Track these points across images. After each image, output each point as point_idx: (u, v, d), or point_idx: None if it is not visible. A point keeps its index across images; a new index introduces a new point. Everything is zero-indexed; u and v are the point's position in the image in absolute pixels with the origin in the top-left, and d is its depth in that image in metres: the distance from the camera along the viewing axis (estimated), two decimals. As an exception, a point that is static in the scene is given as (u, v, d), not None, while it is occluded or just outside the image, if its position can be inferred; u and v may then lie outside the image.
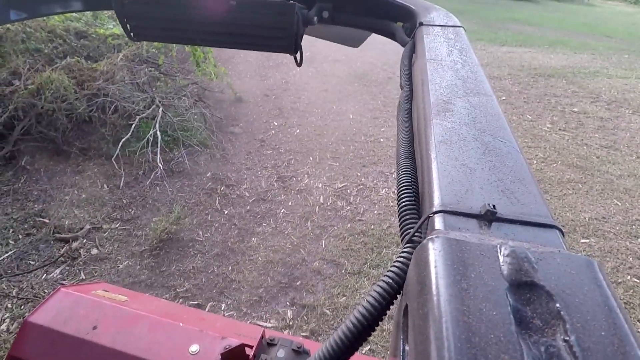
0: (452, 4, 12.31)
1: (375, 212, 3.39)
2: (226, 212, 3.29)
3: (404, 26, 1.02)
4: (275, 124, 4.84)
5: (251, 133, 4.60)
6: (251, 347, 0.92)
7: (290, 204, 3.44)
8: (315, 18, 1.01)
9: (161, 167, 3.35)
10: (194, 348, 0.93)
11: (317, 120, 4.99)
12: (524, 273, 0.28)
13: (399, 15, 1.04)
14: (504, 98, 6.14)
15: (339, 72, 6.68)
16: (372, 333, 0.36)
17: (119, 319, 1.00)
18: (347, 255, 2.92)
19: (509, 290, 0.27)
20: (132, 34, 1.02)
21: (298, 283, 2.67)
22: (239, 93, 5.37)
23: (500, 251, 0.30)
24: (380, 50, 7.67)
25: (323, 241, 3.05)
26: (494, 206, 0.36)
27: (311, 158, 4.13)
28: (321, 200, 3.49)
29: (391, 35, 1.05)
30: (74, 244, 2.83)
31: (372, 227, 3.20)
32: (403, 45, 0.93)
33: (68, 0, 1.20)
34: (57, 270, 2.65)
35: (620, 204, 3.68)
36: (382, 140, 4.58)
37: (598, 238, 3.25)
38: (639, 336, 0.25)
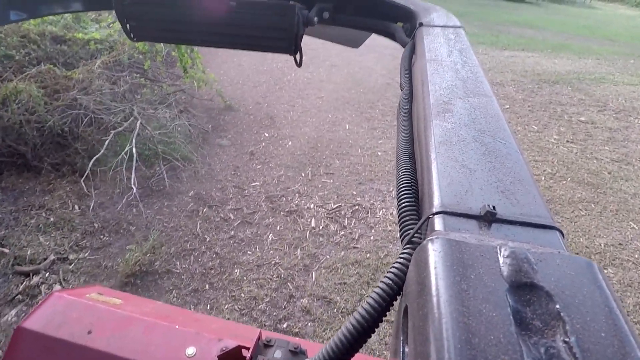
0: (451, 5, 12.03)
1: (372, 237, 3.10)
2: (207, 238, 2.99)
3: (404, 27, 1.02)
4: (266, 135, 4.55)
5: (240, 145, 4.30)
6: (248, 348, 0.91)
7: (278, 228, 3.14)
8: (316, 19, 1.00)
9: (135, 189, 3.04)
10: (191, 350, 0.92)
11: (311, 130, 4.69)
12: (524, 274, 0.27)
13: (399, 16, 1.04)
14: (508, 106, 5.86)
15: (335, 77, 6.38)
16: (372, 334, 0.35)
17: (114, 322, 0.99)
18: (340, 290, 2.63)
19: (509, 292, 0.26)
20: (132, 34, 1.02)
21: (284, 325, 2.38)
22: (229, 101, 5.07)
23: (500, 252, 0.29)
24: (379, 54, 7.39)
25: (313, 273, 2.75)
26: (493, 207, 0.35)
27: (303, 174, 3.83)
28: (312, 224, 3.20)
29: (391, 35, 1.05)
30: (35, 279, 2.53)
31: (368, 255, 2.91)
32: (403, 45, 0.92)
33: (68, 0, 1.19)
34: (13, 312, 2.34)
35: (637, 228, 3.40)
36: (379, 153, 4.29)
37: (616, 268, 2.96)
38: (639, 337, 0.24)
